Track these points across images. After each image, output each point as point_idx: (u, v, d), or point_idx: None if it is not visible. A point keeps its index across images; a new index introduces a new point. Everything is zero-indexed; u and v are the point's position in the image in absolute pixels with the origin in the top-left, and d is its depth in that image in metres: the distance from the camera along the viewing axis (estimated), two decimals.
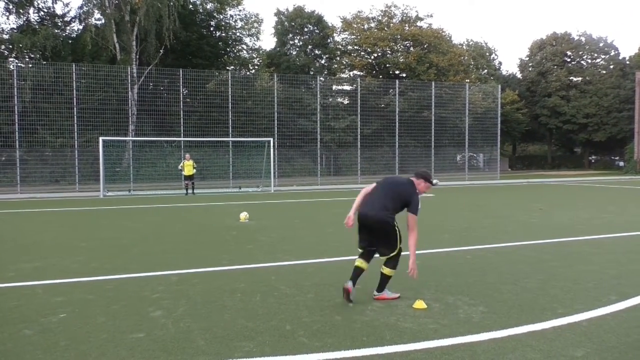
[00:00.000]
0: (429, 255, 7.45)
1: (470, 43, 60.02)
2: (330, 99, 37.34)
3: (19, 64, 28.34)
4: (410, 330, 4.17)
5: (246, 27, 44.61)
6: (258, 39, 54.79)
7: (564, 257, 7.19)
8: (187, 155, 21.46)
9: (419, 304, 4.79)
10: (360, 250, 5.19)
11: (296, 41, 49.10)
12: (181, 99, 27.67)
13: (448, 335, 4.04)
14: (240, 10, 44.46)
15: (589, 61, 56.91)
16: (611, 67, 54.73)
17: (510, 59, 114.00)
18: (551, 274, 6.11)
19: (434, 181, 5.48)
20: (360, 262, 5.12)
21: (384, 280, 5.13)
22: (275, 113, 29.12)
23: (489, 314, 4.60)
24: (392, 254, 5.04)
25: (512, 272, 6.25)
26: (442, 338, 3.98)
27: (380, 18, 48.03)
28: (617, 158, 53.37)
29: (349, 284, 5.00)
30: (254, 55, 46.66)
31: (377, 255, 5.18)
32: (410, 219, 4.99)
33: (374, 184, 5.29)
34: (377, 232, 5.03)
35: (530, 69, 58.65)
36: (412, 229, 4.97)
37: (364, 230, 5.10)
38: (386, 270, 5.07)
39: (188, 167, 21.08)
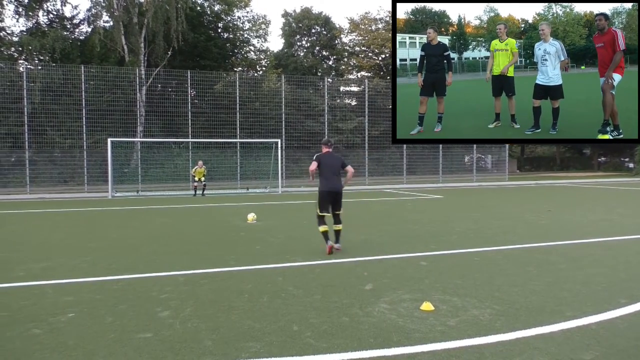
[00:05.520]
0: (437, 256, 7.42)
1: None
2: (338, 100, 37.32)
3: (29, 66, 28.57)
4: (417, 332, 4.15)
5: (254, 28, 44.81)
6: (266, 40, 54.95)
7: (572, 259, 7.14)
8: (200, 162, 21.50)
9: (427, 306, 4.77)
10: (325, 215, 7.61)
11: (304, 42, 49.19)
12: (189, 100, 27.78)
13: (455, 338, 4.02)
14: (247, 12, 44.74)
15: None
16: None
17: None
18: (560, 277, 6.06)
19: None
20: (327, 227, 7.59)
21: (340, 233, 7.72)
22: (283, 114, 29.17)
23: (496, 316, 4.58)
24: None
25: (520, 274, 6.21)
26: (449, 340, 3.97)
27: (387, 19, 48.00)
28: (627, 159, 52.88)
29: (331, 243, 7.48)
30: (262, 57, 46.84)
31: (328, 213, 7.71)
32: (350, 169, 7.73)
33: (317, 163, 7.59)
34: (338, 199, 7.68)
35: None
36: (350, 169, 7.74)
37: (330, 199, 7.62)
38: (341, 226, 7.77)
39: (199, 173, 21.18)
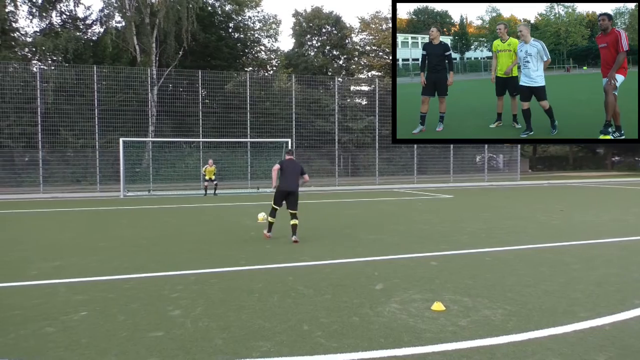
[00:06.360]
0: (448, 256, 7.38)
1: None
2: (348, 100, 37.26)
3: (42, 67, 28.87)
4: (428, 332, 4.13)
5: (264, 28, 44.85)
6: (276, 40, 55.05)
7: (585, 259, 7.07)
8: (210, 161, 21.50)
9: (438, 306, 4.75)
10: (277, 209, 9.04)
11: (314, 42, 49.18)
12: (200, 100, 27.90)
13: (467, 338, 4.00)
14: (258, 12, 44.78)
15: None
16: None
17: None
18: (573, 277, 6.00)
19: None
20: (275, 220, 9.13)
21: (296, 227, 8.80)
22: (293, 114, 29.18)
23: (508, 316, 4.54)
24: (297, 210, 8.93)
25: (532, 274, 6.16)
26: (460, 340, 3.94)
27: None
28: None
29: (270, 234, 9.10)
30: (272, 56, 46.89)
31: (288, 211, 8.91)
32: (306, 176, 9.22)
33: (279, 166, 8.92)
34: (293, 198, 8.89)
35: None
36: (306, 177, 9.26)
37: (284, 197, 8.91)
38: (297, 221, 8.87)
39: (210, 172, 21.18)
